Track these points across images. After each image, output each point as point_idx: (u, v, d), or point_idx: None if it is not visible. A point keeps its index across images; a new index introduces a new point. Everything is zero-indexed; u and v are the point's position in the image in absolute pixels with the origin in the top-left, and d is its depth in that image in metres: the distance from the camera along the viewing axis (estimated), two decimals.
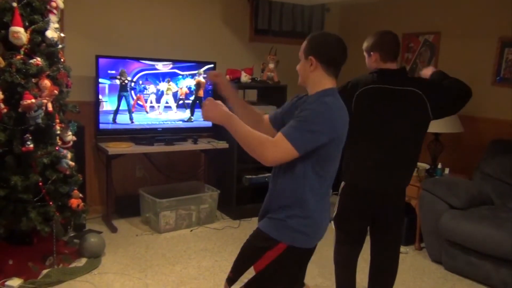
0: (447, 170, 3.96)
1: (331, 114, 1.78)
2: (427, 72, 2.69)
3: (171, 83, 4.27)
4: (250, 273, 1.94)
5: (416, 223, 3.79)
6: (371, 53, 2.47)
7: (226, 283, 2.01)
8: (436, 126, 3.87)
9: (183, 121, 4.42)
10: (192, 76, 4.36)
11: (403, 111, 2.41)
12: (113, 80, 4.01)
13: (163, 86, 4.25)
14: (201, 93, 4.43)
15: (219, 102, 1.81)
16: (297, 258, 1.92)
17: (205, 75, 2.14)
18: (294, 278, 2.00)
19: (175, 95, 4.32)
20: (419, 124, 2.47)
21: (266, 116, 2.15)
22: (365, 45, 2.51)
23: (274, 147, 1.71)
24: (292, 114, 1.85)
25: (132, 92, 4.11)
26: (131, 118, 4.13)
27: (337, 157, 1.89)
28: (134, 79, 4.09)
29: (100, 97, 3.98)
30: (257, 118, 2.11)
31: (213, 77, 2.12)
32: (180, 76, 4.31)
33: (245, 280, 1.95)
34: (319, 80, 1.86)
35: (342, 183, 2.59)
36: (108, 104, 4.02)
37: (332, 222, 2.63)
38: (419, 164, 4.03)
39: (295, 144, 1.71)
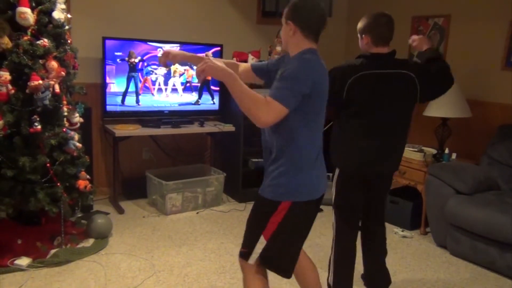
0: (454, 155, 3.93)
1: (311, 68, 1.83)
2: (421, 43, 2.57)
3: (177, 65, 4.26)
4: (262, 243, 1.97)
5: (422, 207, 3.79)
6: (363, 35, 2.41)
7: (241, 259, 2.02)
8: (443, 111, 3.84)
9: (190, 104, 4.42)
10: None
11: (397, 94, 2.39)
12: (123, 62, 4.00)
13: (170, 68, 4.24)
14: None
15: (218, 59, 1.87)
16: (302, 211, 1.94)
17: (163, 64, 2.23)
18: (306, 230, 2.03)
19: (181, 77, 4.31)
20: (409, 107, 2.47)
21: (247, 64, 2.23)
22: (358, 26, 2.44)
23: (267, 108, 1.73)
24: (276, 73, 1.94)
25: (139, 74, 4.10)
26: (137, 101, 4.14)
27: (322, 111, 1.93)
28: (144, 58, 4.08)
29: (108, 78, 3.98)
30: (232, 66, 2.18)
31: (164, 60, 2.18)
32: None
33: (259, 251, 1.97)
34: (296, 43, 1.92)
35: (337, 171, 2.54)
36: (115, 85, 4.02)
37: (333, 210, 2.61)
38: (425, 148, 4.02)
39: (284, 102, 1.75)
